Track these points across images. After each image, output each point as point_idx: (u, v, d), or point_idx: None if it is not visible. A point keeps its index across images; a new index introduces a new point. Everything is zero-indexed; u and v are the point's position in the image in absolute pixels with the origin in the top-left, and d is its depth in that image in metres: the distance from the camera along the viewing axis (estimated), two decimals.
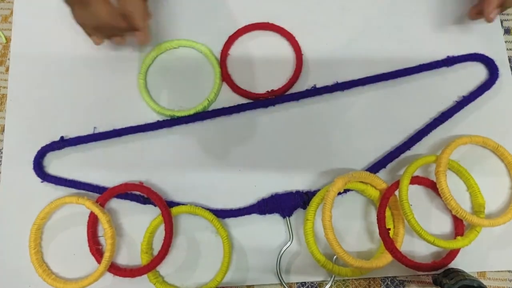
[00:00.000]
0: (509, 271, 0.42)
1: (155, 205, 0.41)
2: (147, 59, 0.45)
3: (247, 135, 0.44)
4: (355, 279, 0.41)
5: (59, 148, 0.43)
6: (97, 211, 0.39)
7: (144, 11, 0.38)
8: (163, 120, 0.44)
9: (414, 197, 0.41)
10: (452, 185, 0.40)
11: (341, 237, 0.41)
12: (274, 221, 0.42)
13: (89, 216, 0.41)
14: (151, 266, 0.39)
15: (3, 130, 0.44)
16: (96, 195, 0.41)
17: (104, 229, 0.39)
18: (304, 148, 0.44)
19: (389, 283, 0.41)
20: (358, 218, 0.42)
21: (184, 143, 0.44)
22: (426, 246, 0.40)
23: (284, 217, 0.42)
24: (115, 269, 0.40)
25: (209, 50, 0.46)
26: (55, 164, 0.43)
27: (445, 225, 0.42)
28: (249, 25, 0.46)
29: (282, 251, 0.41)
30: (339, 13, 0.48)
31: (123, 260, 0.41)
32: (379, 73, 0.45)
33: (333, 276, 0.41)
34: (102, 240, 0.41)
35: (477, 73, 0.46)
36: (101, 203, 0.41)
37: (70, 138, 0.43)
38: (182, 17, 0.47)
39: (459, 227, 0.41)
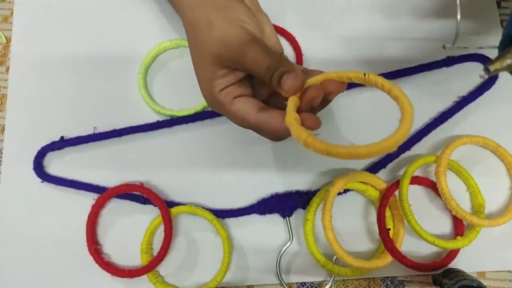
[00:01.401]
0: (509, 271, 0.42)
1: (155, 205, 0.41)
2: (147, 59, 0.45)
3: (247, 135, 0.44)
4: (355, 279, 0.41)
5: (59, 148, 0.43)
6: None
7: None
8: (163, 120, 0.44)
9: (414, 197, 0.41)
10: (452, 185, 0.40)
11: (341, 237, 0.41)
12: (274, 221, 0.42)
13: (89, 216, 0.41)
14: (150, 266, 0.39)
15: (3, 130, 0.44)
16: (96, 195, 0.41)
17: None
18: (304, 148, 0.44)
19: (389, 283, 0.41)
20: (358, 218, 0.42)
21: (184, 143, 0.44)
22: (426, 246, 0.40)
23: (284, 217, 0.42)
24: (114, 269, 0.40)
25: None
26: (55, 164, 0.43)
27: (445, 225, 0.42)
28: None
29: (282, 251, 0.41)
30: (339, 13, 0.48)
31: (122, 260, 0.41)
32: (379, 73, 0.45)
33: (333, 276, 0.41)
34: (101, 240, 0.41)
35: (477, 73, 0.46)
36: (101, 203, 0.41)
37: (70, 138, 0.43)
38: None
39: (459, 227, 0.41)
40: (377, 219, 0.40)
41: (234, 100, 0.34)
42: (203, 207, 0.41)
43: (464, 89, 0.45)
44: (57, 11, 0.47)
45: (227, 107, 0.34)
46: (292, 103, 0.31)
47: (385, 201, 0.40)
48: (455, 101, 0.45)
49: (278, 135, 0.33)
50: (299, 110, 0.31)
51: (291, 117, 0.30)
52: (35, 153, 0.43)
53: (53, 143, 0.43)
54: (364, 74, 0.31)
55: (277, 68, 0.31)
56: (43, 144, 0.43)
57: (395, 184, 0.40)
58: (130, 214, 0.42)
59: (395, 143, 0.27)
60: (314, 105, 0.32)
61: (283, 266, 0.41)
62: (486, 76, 0.29)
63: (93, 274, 0.40)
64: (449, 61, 0.46)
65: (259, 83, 0.35)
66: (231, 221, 0.42)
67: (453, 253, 0.40)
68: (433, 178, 0.41)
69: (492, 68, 0.29)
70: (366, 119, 0.45)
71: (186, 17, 0.35)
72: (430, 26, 0.47)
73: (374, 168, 0.43)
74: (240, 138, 0.44)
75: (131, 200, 0.42)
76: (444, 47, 0.41)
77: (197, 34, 0.34)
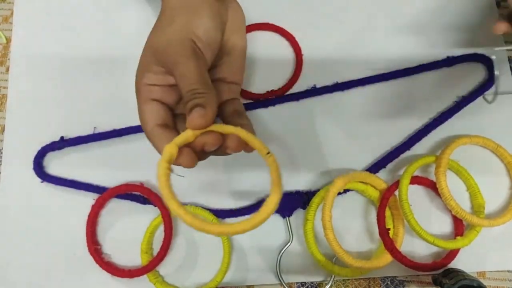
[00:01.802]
0: (509, 271, 0.42)
1: (155, 205, 0.41)
2: None
3: None
4: (355, 279, 0.41)
5: (59, 148, 0.43)
6: None
7: None
8: None
9: (414, 197, 0.41)
10: (452, 185, 0.40)
11: (341, 237, 0.41)
12: (274, 221, 0.42)
13: (89, 215, 0.41)
14: (150, 266, 0.39)
15: (3, 130, 0.44)
16: (96, 195, 0.41)
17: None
18: (304, 148, 0.44)
19: (389, 283, 0.41)
20: (358, 218, 0.42)
21: None
22: (426, 246, 0.40)
23: (284, 217, 0.42)
24: (114, 269, 0.40)
25: None
26: (55, 164, 0.43)
27: (445, 225, 0.42)
28: (249, 25, 0.46)
29: (282, 251, 0.41)
30: (339, 13, 0.48)
31: (122, 260, 0.41)
32: (379, 73, 0.45)
33: (333, 276, 0.40)
34: (101, 240, 0.41)
35: (477, 73, 0.46)
36: (101, 203, 0.41)
37: (70, 138, 0.43)
38: None
39: (459, 227, 0.41)
40: (377, 219, 0.40)
41: (149, 101, 0.33)
42: (203, 207, 0.41)
43: (464, 89, 0.45)
44: (57, 11, 0.47)
45: (141, 102, 0.33)
46: (172, 147, 0.29)
47: (385, 201, 0.40)
48: (455, 101, 0.45)
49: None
50: (190, 143, 0.31)
51: (162, 168, 0.29)
52: (35, 153, 0.43)
53: (53, 143, 0.43)
54: (267, 153, 0.32)
55: (196, 98, 0.30)
56: (43, 144, 0.43)
57: (395, 184, 0.40)
58: (130, 214, 0.42)
59: (268, 215, 0.30)
60: (206, 150, 0.31)
61: (283, 266, 0.41)
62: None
63: (93, 274, 0.40)
64: (449, 61, 0.46)
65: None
66: (231, 221, 0.42)
67: (453, 253, 0.40)
68: (433, 178, 0.41)
69: None
70: (366, 119, 0.45)
71: (163, 4, 0.35)
72: (431, 25, 0.47)
73: (374, 168, 0.43)
74: None
75: (131, 200, 0.42)
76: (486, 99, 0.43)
77: (158, 23, 0.34)
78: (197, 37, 0.33)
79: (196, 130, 0.30)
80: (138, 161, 0.43)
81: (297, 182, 0.43)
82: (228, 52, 0.36)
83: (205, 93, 0.31)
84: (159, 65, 0.33)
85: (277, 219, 0.42)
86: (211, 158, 0.43)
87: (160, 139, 0.32)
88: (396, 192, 0.40)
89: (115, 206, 0.42)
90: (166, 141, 0.31)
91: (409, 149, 0.44)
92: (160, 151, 0.32)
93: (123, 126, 0.43)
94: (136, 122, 0.43)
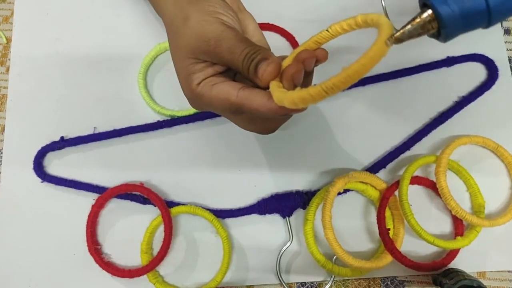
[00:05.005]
0: (509, 271, 0.42)
1: (155, 205, 0.41)
2: (147, 59, 0.45)
3: (247, 135, 0.44)
4: (355, 279, 0.41)
5: (59, 148, 0.43)
6: None
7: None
8: (163, 120, 0.44)
9: (414, 197, 0.41)
10: (452, 185, 0.40)
11: (341, 237, 0.41)
12: (274, 221, 0.42)
13: (89, 216, 0.41)
14: (150, 266, 0.39)
15: (3, 130, 0.44)
16: (96, 195, 0.41)
17: None
18: (304, 148, 0.44)
19: (389, 283, 0.41)
20: (358, 218, 0.42)
21: (184, 143, 0.44)
22: (426, 246, 0.40)
23: (284, 217, 0.42)
24: (114, 269, 0.40)
25: None
26: (55, 164, 0.43)
27: (445, 225, 0.42)
28: None
29: (282, 251, 0.41)
30: (339, 13, 0.48)
31: (122, 260, 0.41)
32: (379, 73, 0.45)
33: (333, 276, 0.41)
34: (101, 240, 0.41)
35: (477, 73, 0.46)
36: (101, 203, 0.41)
37: (70, 138, 0.43)
38: None
39: (459, 227, 0.41)
40: (377, 219, 0.40)
41: (213, 86, 0.31)
42: (203, 207, 0.41)
43: (464, 89, 0.45)
44: (57, 11, 0.47)
45: (207, 95, 0.31)
46: (274, 85, 0.29)
47: (385, 201, 0.40)
48: (455, 101, 0.45)
49: (262, 115, 0.31)
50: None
51: (279, 91, 0.28)
52: (35, 153, 0.43)
53: (53, 143, 0.43)
54: (327, 29, 0.30)
55: (254, 58, 0.30)
56: (43, 144, 0.43)
57: (395, 184, 0.40)
58: (130, 214, 0.42)
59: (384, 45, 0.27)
60: (297, 83, 0.30)
61: (283, 266, 0.41)
62: (392, 44, 0.29)
63: (93, 274, 0.40)
64: (449, 61, 0.46)
65: (242, 79, 0.33)
66: (231, 221, 0.42)
67: (453, 253, 0.40)
68: (433, 178, 0.41)
69: (394, 36, 0.29)
70: (366, 119, 0.45)
71: (165, 16, 0.35)
72: None
73: (374, 168, 0.43)
74: (240, 138, 0.44)
75: (131, 200, 0.42)
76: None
77: (174, 30, 0.33)
78: (220, 13, 0.32)
79: (273, 78, 0.30)
80: (138, 161, 0.43)
81: (297, 182, 0.43)
82: (244, 25, 0.36)
83: (259, 49, 0.30)
84: (200, 61, 0.32)
85: (277, 219, 0.42)
86: (211, 158, 0.43)
87: (254, 98, 0.30)
88: (396, 192, 0.41)
89: (115, 206, 0.42)
90: (260, 95, 0.30)
91: (409, 149, 0.44)
92: (257, 108, 0.30)
93: (123, 126, 0.43)
94: (136, 122, 0.44)
